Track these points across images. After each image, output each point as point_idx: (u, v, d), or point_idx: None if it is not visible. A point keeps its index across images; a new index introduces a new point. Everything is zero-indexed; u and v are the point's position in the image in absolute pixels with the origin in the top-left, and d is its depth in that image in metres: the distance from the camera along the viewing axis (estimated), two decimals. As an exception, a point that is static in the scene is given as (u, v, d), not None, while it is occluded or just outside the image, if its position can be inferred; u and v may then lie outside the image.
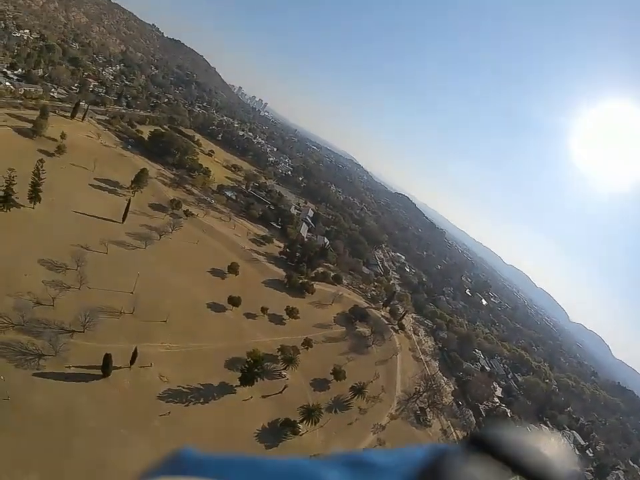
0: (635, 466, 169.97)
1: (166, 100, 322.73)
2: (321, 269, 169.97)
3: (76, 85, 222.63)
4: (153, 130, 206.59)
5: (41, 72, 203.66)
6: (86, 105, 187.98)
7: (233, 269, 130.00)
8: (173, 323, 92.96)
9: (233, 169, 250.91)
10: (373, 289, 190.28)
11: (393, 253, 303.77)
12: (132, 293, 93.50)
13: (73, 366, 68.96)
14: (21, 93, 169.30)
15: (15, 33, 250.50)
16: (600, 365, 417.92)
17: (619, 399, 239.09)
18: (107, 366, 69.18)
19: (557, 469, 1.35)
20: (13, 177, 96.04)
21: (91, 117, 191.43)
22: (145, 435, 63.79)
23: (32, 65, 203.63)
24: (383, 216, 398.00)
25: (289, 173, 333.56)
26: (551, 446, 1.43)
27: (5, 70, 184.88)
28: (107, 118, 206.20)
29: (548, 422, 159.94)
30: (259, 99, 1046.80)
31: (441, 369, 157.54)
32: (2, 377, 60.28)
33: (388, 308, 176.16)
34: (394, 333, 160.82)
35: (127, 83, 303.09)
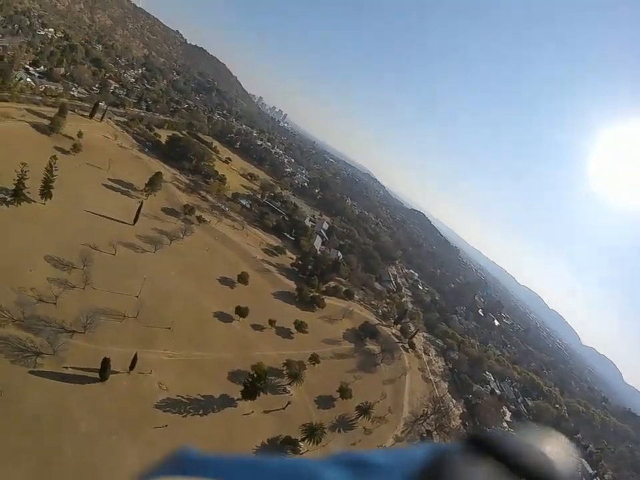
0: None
1: (186, 106, 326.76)
2: (332, 283, 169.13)
3: (97, 85, 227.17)
4: (170, 134, 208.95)
5: (62, 70, 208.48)
6: (105, 106, 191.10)
7: (242, 278, 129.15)
8: (177, 330, 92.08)
9: (249, 177, 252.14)
10: (385, 305, 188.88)
11: (406, 270, 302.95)
12: (137, 296, 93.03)
13: (70, 367, 68.26)
14: (42, 89, 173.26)
15: (39, 31, 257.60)
16: (611, 390, 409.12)
17: (629, 426, 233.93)
18: (104, 370, 68.30)
19: (558, 469, 1.35)
20: (25, 172, 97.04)
21: (110, 118, 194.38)
22: (137, 444, 62.39)
23: (54, 63, 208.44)
24: (398, 232, 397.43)
25: (306, 184, 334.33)
26: (551, 446, 1.43)
27: (27, 66, 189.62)
28: (126, 120, 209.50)
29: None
30: (279, 110, 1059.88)
31: (450, 391, 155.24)
32: None
33: (399, 326, 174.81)
34: (404, 352, 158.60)
35: (148, 86, 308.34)
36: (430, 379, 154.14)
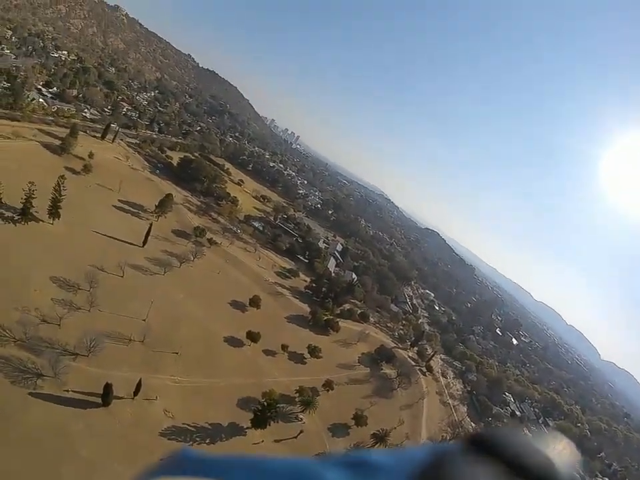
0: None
1: (198, 128, 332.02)
2: (347, 306, 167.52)
3: (109, 107, 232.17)
4: (182, 156, 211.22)
5: (75, 92, 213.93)
6: (117, 128, 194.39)
7: (254, 302, 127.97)
8: (185, 355, 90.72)
9: (261, 199, 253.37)
10: (401, 327, 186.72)
11: (422, 290, 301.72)
12: (144, 320, 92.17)
13: (72, 390, 67.12)
14: (54, 110, 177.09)
15: (53, 53, 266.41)
16: (632, 405, 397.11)
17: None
18: (107, 395, 66.92)
19: (559, 470, 1.35)
20: (33, 191, 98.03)
21: (121, 140, 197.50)
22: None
23: (67, 84, 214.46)
24: (413, 251, 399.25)
25: (319, 205, 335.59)
26: (552, 446, 1.44)
27: (39, 87, 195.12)
28: (138, 142, 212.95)
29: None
30: (291, 132, 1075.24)
31: (469, 414, 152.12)
32: None
33: (416, 348, 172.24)
34: (421, 376, 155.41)
35: (160, 109, 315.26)
36: (448, 403, 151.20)
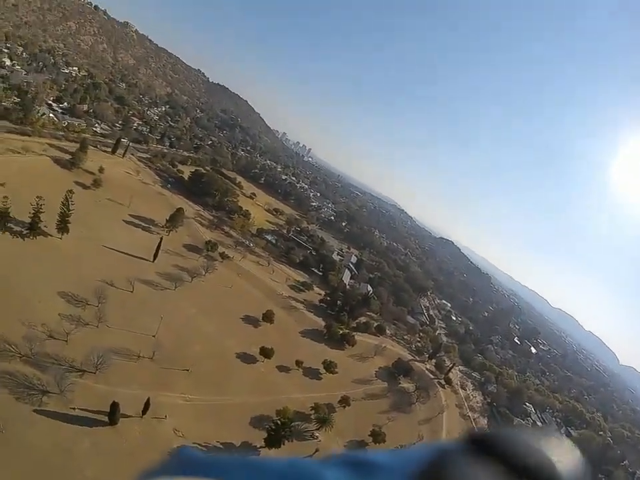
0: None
1: (209, 142, 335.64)
2: (363, 319, 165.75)
3: (120, 122, 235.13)
4: (193, 170, 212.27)
5: (85, 107, 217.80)
6: (128, 142, 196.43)
7: (267, 316, 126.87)
8: (196, 372, 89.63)
9: (274, 212, 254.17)
10: (418, 340, 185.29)
11: (438, 301, 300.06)
12: (154, 336, 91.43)
13: (78, 408, 66.28)
14: (64, 125, 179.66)
15: (63, 69, 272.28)
16: None
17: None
18: (114, 413, 65.92)
19: (560, 470, 1.36)
20: (41, 206, 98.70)
21: (132, 154, 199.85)
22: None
23: (78, 100, 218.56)
24: (428, 261, 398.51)
25: (332, 217, 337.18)
26: (553, 447, 1.44)
27: (50, 102, 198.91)
28: (149, 156, 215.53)
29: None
30: (303, 145, 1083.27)
31: (489, 427, 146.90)
32: None
33: (434, 361, 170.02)
34: (440, 389, 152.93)
35: (171, 123, 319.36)
36: (468, 416, 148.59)
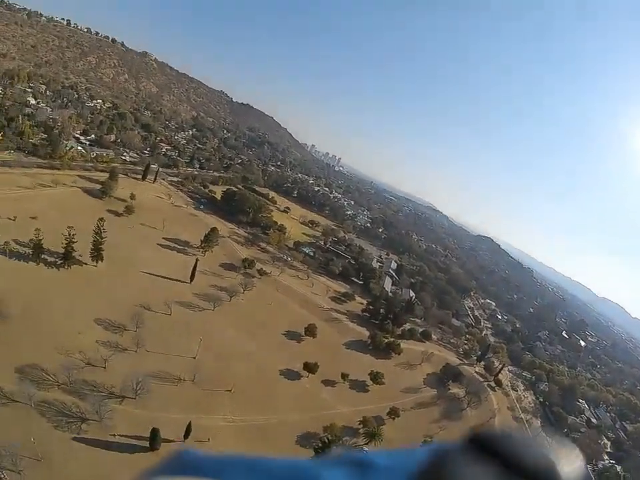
0: None
1: (239, 161, 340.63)
2: (407, 325, 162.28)
3: (148, 149, 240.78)
4: (225, 189, 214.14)
5: (113, 137, 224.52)
6: (157, 168, 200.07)
7: (310, 330, 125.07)
8: (238, 393, 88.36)
9: (310, 224, 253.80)
10: (465, 342, 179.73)
11: (482, 300, 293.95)
12: (194, 358, 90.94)
13: (117, 434, 65.90)
14: (93, 156, 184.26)
15: (88, 103, 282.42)
16: None
17: None
18: (154, 438, 65.04)
19: (560, 471, 1.36)
20: (73, 235, 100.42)
21: (163, 179, 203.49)
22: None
23: (104, 131, 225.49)
24: (468, 261, 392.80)
25: (368, 225, 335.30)
26: (554, 447, 1.44)
27: (77, 136, 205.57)
28: (179, 179, 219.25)
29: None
30: (332, 155, 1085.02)
31: (543, 428, 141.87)
32: (33, 439, 57.45)
33: (482, 363, 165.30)
34: (490, 392, 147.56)
35: (199, 146, 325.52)
36: (521, 418, 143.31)
